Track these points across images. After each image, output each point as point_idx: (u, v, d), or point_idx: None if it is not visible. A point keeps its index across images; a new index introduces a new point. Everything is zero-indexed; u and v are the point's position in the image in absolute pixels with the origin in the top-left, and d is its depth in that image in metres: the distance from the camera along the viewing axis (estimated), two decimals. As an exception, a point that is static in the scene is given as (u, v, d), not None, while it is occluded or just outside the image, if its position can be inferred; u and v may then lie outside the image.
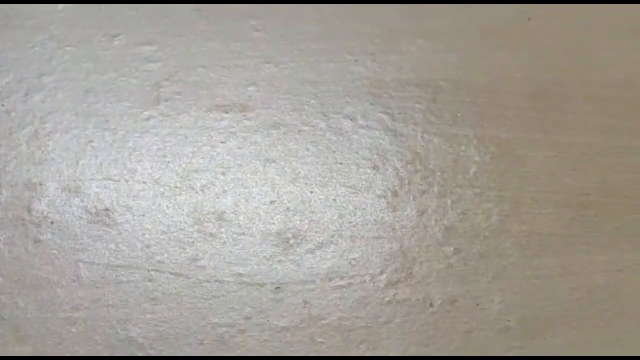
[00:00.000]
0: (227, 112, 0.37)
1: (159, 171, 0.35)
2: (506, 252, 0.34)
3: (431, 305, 0.33)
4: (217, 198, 0.35)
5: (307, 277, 0.33)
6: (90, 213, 0.34)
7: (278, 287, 0.33)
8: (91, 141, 0.35)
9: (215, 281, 0.33)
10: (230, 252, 0.34)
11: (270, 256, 0.34)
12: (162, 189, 0.35)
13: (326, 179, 0.36)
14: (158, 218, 0.34)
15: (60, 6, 0.39)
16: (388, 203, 0.35)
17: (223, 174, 0.35)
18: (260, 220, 0.34)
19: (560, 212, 0.35)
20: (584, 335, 0.32)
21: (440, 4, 0.40)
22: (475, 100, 0.38)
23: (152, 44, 0.38)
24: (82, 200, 0.34)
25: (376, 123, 0.37)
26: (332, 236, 0.34)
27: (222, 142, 0.36)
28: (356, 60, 0.39)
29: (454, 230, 0.34)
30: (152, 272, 0.33)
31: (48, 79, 0.37)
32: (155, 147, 0.35)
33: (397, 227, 0.34)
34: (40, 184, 0.34)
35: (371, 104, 0.37)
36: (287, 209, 0.35)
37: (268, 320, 0.33)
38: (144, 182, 0.35)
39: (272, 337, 0.32)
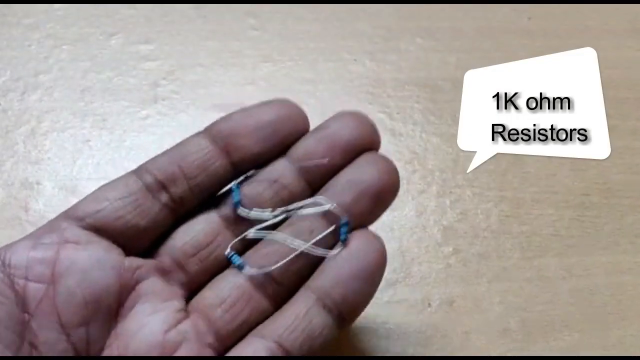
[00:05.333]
0: (225, 111, 0.36)
1: (156, 170, 0.35)
2: (506, 253, 0.34)
3: (429, 305, 0.32)
4: (215, 197, 0.35)
5: (304, 277, 0.33)
6: (86, 212, 0.34)
7: (275, 287, 0.33)
8: (88, 140, 0.35)
9: (212, 281, 0.33)
10: (227, 251, 0.33)
11: (268, 256, 0.33)
12: (159, 188, 0.35)
13: (324, 178, 0.35)
14: (154, 217, 0.34)
15: (57, 5, 0.39)
16: (386, 203, 0.35)
17: (220, 173, 0.35)
18: (257, 219, 0.34)
19: (561, 212, 0.35)
20: (585, 338, 0.32)
21: (439, 4, 0.40)
22: (474, 101, 0.37)
23: (150, 42, 0.38)
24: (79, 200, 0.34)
25: (375, 122, 0.37)
26: (330, 236, 0.34)
27: (219, 141, 0.36)
28: (355, 60, 0.38)
29: (453, 231, 0.34)
30: (148, 272, 0.33)
31: (45, 77, 0.37)
32: (152, 146, 0.35)
33: (395, 227, 0.34)
34: (37, 183, 0.34)
35: (370, 104, 0.37)
36: (285, 208, 0.34)
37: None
38: (141, 182, 0.35)
39: (269, 337, 0.32)
